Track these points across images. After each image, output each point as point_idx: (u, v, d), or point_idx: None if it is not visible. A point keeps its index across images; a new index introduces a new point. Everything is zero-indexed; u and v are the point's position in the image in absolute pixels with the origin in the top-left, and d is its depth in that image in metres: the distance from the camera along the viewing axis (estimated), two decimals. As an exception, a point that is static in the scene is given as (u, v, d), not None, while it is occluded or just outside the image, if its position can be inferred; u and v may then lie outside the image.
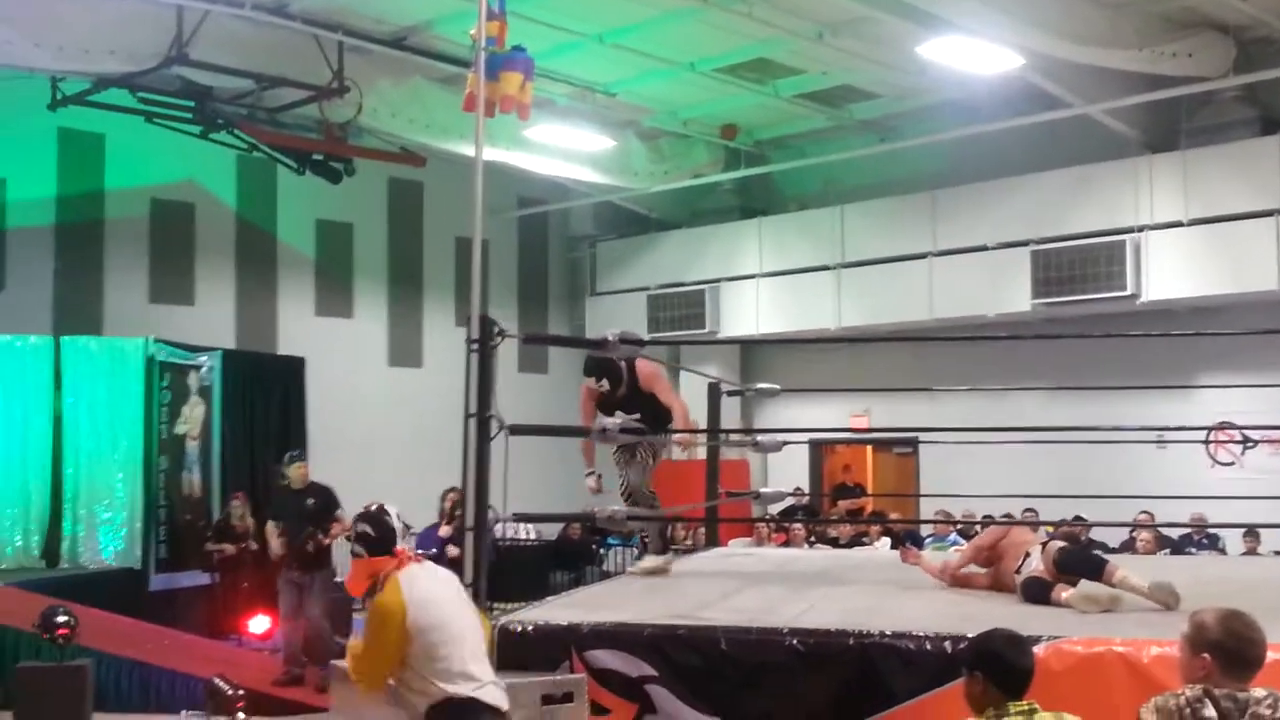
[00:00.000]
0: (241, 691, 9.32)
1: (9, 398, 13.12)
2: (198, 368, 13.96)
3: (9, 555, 12.88)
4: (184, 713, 9.74)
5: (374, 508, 5.14)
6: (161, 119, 13.94)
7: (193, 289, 16.40)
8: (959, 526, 12.32)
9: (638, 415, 7.21)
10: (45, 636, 8.93)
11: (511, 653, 5.49)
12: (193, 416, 13.87)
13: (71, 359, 13.31)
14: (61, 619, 9.01)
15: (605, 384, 7.22)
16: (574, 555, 15.24)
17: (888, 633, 5.13)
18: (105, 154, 15.47)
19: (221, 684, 9.37)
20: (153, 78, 13.01)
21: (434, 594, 4.83)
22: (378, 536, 4.95)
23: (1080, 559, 6.23)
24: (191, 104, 13.69)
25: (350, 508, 15.64)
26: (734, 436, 12.23)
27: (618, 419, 6.78)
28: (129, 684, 10.07)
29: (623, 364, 7.29)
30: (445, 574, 5.14)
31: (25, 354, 13.24)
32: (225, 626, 12.57)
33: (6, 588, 11.12)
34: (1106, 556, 6.70)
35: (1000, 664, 3.62)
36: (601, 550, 15.44)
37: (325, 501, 10.69)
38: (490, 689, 4.74)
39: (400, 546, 5.00)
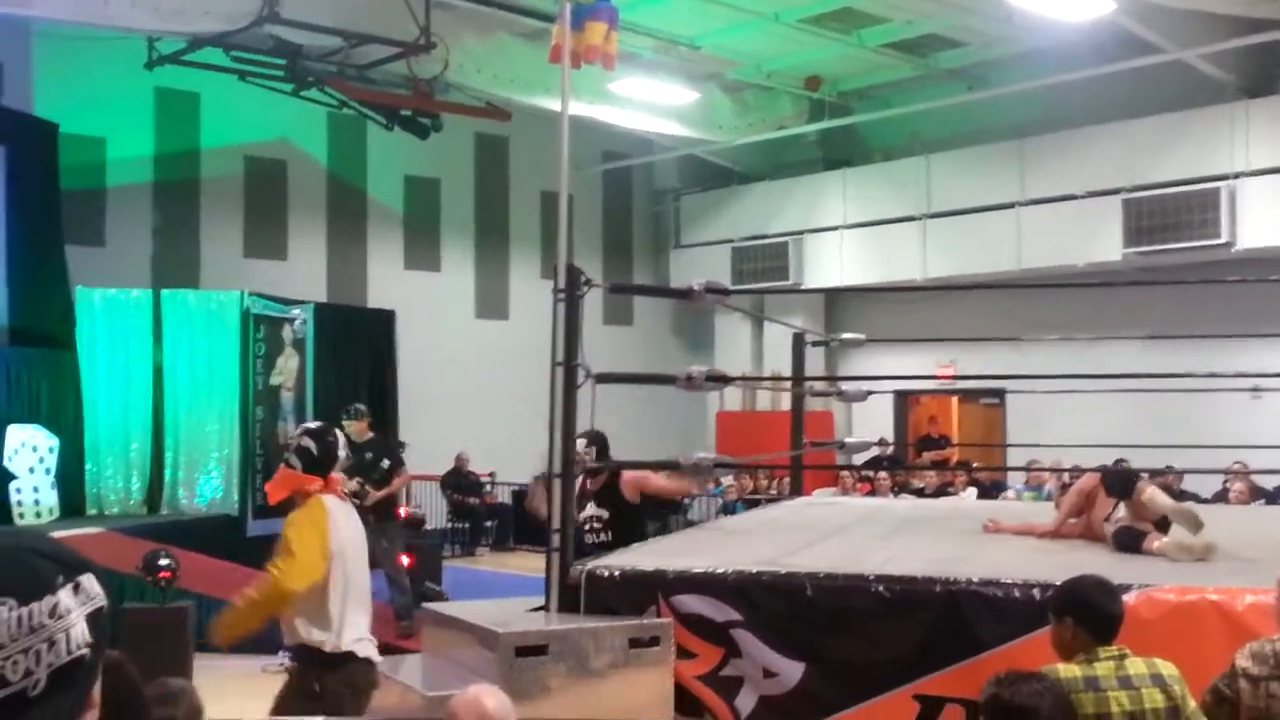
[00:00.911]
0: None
1: (112, 350, 13.49)
2: (291, 320, 14.24)
3: (112, 501, 13.31)
4: (280, 652, 10.07)
5: (322, 426, 5.26)
6: (254, 77, 14.19)
7: (285, 244, 16.76)
8: (1049, 477, 12.22)
9: (607, 514, 7.22)
10: (148, 579, 9.25)
11: (598, 598, 5.60)
12: (287, 368, 14.16)
13: (171, 312, 13.63)
14: (163, 562, 9.33)
15: (590, 454, 7.01)
16: (660, 504, 15.33)
17: (975, 580, 5.14)
18: (200, 113, 15.82)
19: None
20: (245, 36, 13.22)
21: (346, 532, 4.96)
22: (318, 455, 5.04)
23: (1116, 477, 6.34)
24: (283, 62, 13.89)
25: (439, 458, 16.06)
26: (818, 386, 12.22)
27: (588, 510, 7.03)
28: (230, 627, 10.39)
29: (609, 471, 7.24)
30: (358, 521, 5.31)
31: (127, 308, 13.60)
32: (320, 572, 12.87)
33: (111, 533, 11.48)
34: (1142, 474, 6.66)
35: (1089, 609, 3.63)
36: (686, 500, 15.54)
37: (380, 455, 10.85)
38: (366, 644, 4.88)
39: (335, 474, 5.12)
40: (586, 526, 7.15)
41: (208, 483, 13.53)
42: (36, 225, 13.29)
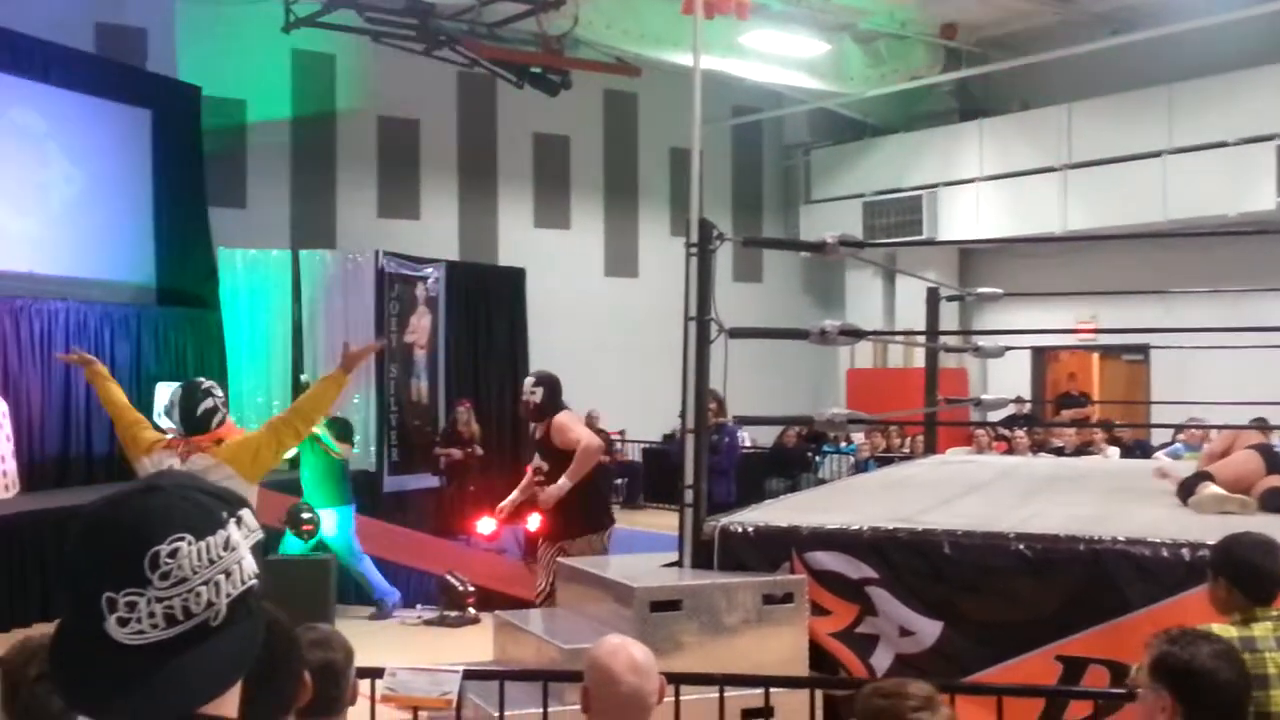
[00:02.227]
0: (472, 587, 9.81)
1: (253, 309, 13.86)
2: (424, 279, 14.44)
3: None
4: (418, 606, 10.30)
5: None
6: (387, 38, 14.35)
7: (418, 203, 16.98)
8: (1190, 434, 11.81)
9: (549, 467, 7.04)
10: (292, 532, 9.51)
11: (731, 554, 5.57)
12: (420, 326, 14.37)
13: (309, 272, 13.92)
14: (306, 516, 9.58)
15: (537, 394, 7.06)
16: (789, 462, 15.27)
17: (1121, 539, 4.99)
18: (336, 74, 16.08)
19: (453, 580, 9.86)
20: (379, -3, 13.40)
21: None
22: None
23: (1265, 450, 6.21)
24: (415, 22, 14.02)
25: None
26: (953, 342, 11.97)
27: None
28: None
29: (548, 414, 7.11)
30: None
31: (267, 268, 13.93)
32: (453, 527, 13.08)
33: (257, 487, 11.80)
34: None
35: (1248, 568, 3.48)
36: (817, 458, 15.43)
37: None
38: None
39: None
40: (537, 479, 7.11)
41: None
42: (181, 188, 13.68)
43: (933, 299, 9.36)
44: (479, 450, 13.66)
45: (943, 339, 10.54)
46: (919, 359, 13.37)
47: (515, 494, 7.74)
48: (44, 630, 3.43)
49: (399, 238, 15.44)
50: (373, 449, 13.63)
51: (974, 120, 17.22)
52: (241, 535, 1.27)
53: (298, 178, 15.99)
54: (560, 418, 7.11)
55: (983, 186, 16.81)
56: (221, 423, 5.52)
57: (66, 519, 9.58)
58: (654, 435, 17.01)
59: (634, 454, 17.19)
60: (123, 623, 1.18)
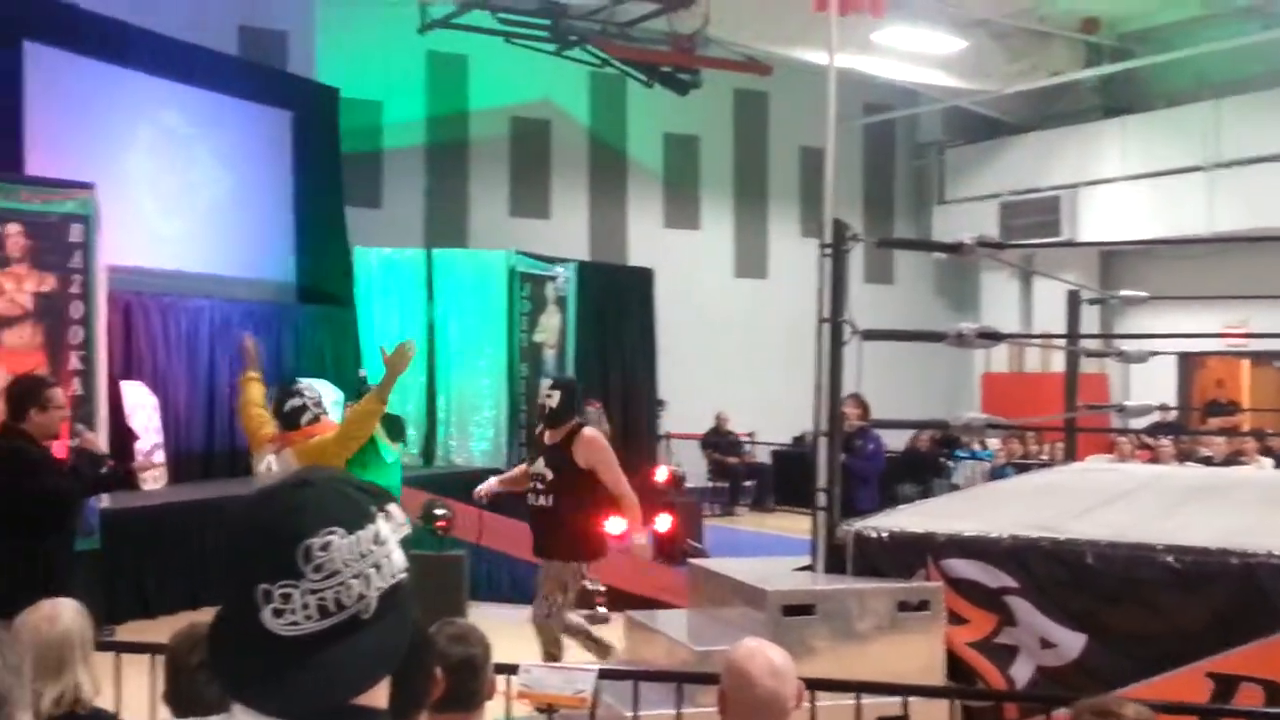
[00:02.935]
0: (602, 586, 9.80)
1: (388, 307, 14.11)
2: (554, 278, 14.53)
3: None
4: (548, 603, 10.33)
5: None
6: (519, 39, 14.49)
7: (549, 203, 17.12)
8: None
9: (553, 476, 6.54)
10: (425, 528, 9.62)
11: (865, 559, 5.47)
12: (550, 325, 14.48)
13: (442, 271, 14.12)
14: (440, 512, 9.67)
15: (554, 398, 6.61)
16: (922, 466, 15.00)
17: (1276, 553, 4.77)
18: (469, 75, 16.29)
19: (584, 579, 9.87)
20: (512, -1, 13.54)
21: None
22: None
23: None
24: (547, 22, 14.13)
25: (699, 417, 16.16)
26: (1094, 347, 11.62)
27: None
28: (499, 575, 10.72)
29: (574, 420, 6.69)
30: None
31: (402, 266, 14.18)
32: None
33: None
34: None
35: None
36: (950, 463, 15.13)
37: None
38: None
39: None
40: (531, 484, 6.63)
41: (479, 436, 13.98)
42: (320, 188, 13.98)
43: (1074, 301, 9.10)
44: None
45: (1084, 343, 10.22)
46: (1057, 363, 13.04)
47: (494, 482, 7.49)
48: (206, 620, 3.51)
49: (530, 237, 15.59)
50: (504, 447, 13.75)
51: (1116, 117, 16.74)
52: (390, 529, 1.28)
53: (431, 177, 16.25)
54: (593, 435, 6.77)
55: (1125, 186, 16.33)
56: (313, 420, 5.93)
57: (212, 510, 9.87)
58: (783, 437, 16.88)
59: (763, 456, 17.08)
60: (278, 614, 1.20)
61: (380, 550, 1.25)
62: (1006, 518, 5.85)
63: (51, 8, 10.90)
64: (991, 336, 6.15)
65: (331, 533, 1.22)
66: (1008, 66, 16.29)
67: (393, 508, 1.30)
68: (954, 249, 6.38)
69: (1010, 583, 5.17)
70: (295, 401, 5.91)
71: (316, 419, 5.94)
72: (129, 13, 11.70)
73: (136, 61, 11.74)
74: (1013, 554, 5.20)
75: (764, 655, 2.84)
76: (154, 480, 10.59)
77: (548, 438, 6.60)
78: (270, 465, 6.07)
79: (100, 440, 5.90)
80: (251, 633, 1.21)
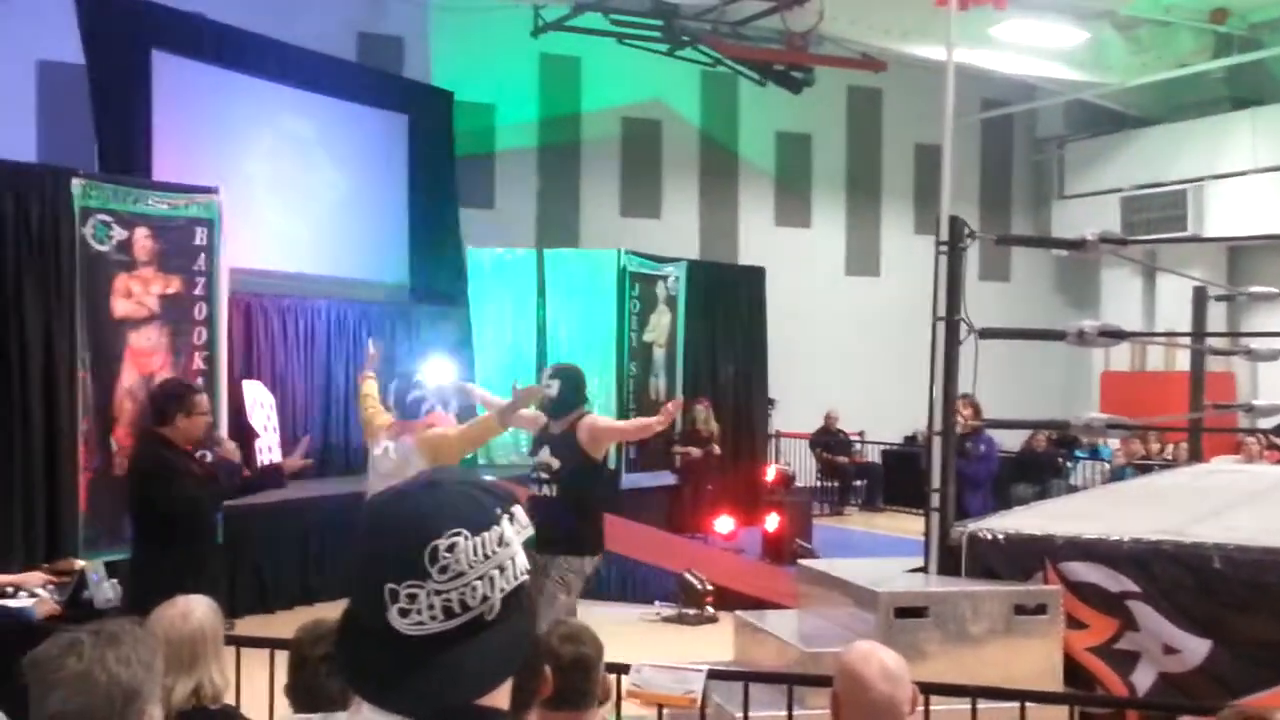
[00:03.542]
0: (711, 586, 9.79)
1: (499, 307, 14.24)
2: (665, 278, 14.53)
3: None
4: (657, 603, 10.35)
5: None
6: (631, 40, 14.54)
7: (659, 203, 17.14)
8: None
9: (559, 465, 6.32)
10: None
11: (980, 561, 5.38)
12: (660, 325, 14.47)
13: (553, 271, 14.21)
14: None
15: (553, 387, 6.41)
16: (1038, 467, 14.69)
17: None
18: (581, 77, 16.39)
19: (692, 578, 9.87)
20: (624, 0, 13.57)
21: None
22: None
23: None
24: (659, 23, 14.16)
25: (808, 416, 16.05)
26: (1220, 344, 11.27)
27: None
28: (608, 574, 10.73)
29: (579, 409, 6.55)
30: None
31: (514, 266, 14.30)
32: (690, 525, 13.11)
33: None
34: None
35: None
36: (1068, 463, 14.79)
37: None
38: None
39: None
40: (535, 474, 6.43)
41: (588, 434, 14.01)
42: (434, 190, 14.19)
43: (1200, 298, 8.83)
44: (717, 449, 13.65)
45: (1211, 341, 9.91)
46: (1180, 362, 12.67)
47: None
48: (328, 615, 3.58)
49: (640, 237, 15.62)
50: (612, 446, 13.75)
51: (1246, 109, 16.21)
52: (514, 531, 1.28)
53: (544, 178, 16.39)
54: (593, 418, 6.70)
55: (1255, 178, 15.80)
56: (430, 410, 6.33)
57: (328, 507, 10.06)
58: (894, 437, 16.68)
59: (873, 455, 16.90)
60: (404, 614, 1.22)
61: (504, 552, 1.26)
62: (1129, 520, 5.71)
63: (178, 18, 11.22)
64: (1115, 335, 6.00)
65: (458, 534, 1.24)
66: (1132, 59, 15.87)
67: (517, 510, 1.31)
68: (1077, 245, 6.24)
69: (1132, 587, 5.05)
70: (416, 393, 6.31)
71: (434, 409, 6.33)
72: (252, 21, 12.00)
73: (259, 68, 12.04)
74: (1135, 557, 5.08)
75: (879, 659, 2.80)
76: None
77: (552, 427, 6.47)
78: (389, 450, 6.33)
79: (236, 450, 6.01)
80: (378, 631, 1.23)
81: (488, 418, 6.35)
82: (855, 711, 2.77)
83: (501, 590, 1.25)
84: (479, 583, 1.23)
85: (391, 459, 6.23)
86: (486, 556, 1.24)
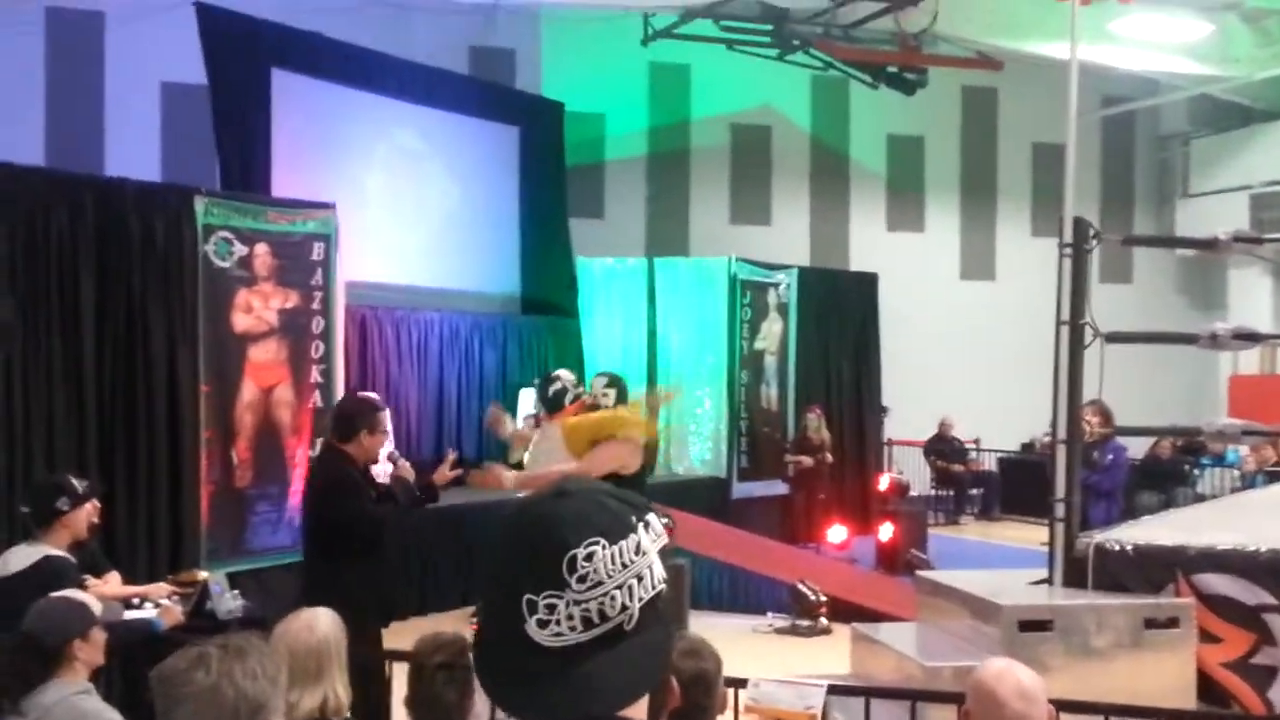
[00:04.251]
0: (824, 597, 9.66)
1: (610, 317, 14.26)
2: (776, 285, 14.42)
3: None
4: (769, 613, 10.24)
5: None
6: (741, 46, 14.48)
7: (769, 209, 17.04)
8: None
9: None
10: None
11: (1107, 573, 5.21)
12: (771, 332, 14.37)
13: (663, 279, 14.19)
14: (662, 520, 9.70)
15: (610, 396, 6.40)
16: (1163, 475, 14.24)
17: None
18: (690, 85, 16.38)
19: (805, 589, 9.75)
20: (734, 5, 13.52)
21: None
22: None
23: None
24: (769, 27, 14.07)
25: (923, 424, 15.82)
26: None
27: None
28: (719, 584, 10.68)
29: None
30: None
31: (624, 275, 14.32)
32: (802, 535, 12.97)
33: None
34: None
35: None
36: (1195, 471, 14.32)
37: None
38: None
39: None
40: None
41: (699, 444, 13.97)
42: (545, 201, 14.28)
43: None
44: (829, 457, 13.50)
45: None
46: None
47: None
48: (447, 626, 3.57)
49: (750, 244, 15.52)
50: (723, 455, 13.72)
51: (1380, 100, 15.60)
52: (650, 539, 1.27)
53: (653, 187, 16.41)
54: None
55: (1391, 174, 15.19)
56: (574, 400, 6.48)
57: (443, 517, 10.14)
58: (1011, 444, 16.33)
59: (989, 463, 16.56)
60: (542, 624, 1.21)
61: (642, 561, 1.24)
62: (1264, 530, 5.48)
63: (296, 36, 11.46)
64: (1248, 337, 5.78)
65: (595, 543, 1.22)
66: (1259, 51, 15.33)
67: (652, 518, 1.29)
68: (1208, 245, 6.04)
69: (1270, 600, 4.86)
70: (557, 385, 6.51)
71: (577, 398, 6.50)
72: (367, 38, 12.23)
73: (373, 84, 12.25)
74: (1272, 569, 4.88)
75: (1014, 676, 2.71)
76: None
77: (542, 419, 6.77)
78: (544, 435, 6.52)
79: (410, 470, 6.01)
80: (517, 643, 1.22)
81: (636, 428, 6.33)
82: (987, 731, 2.67)
83: (640, 599, 1.23)
84: (618, 592, 1.22)
85: (542, 444, 6.44)
86: (625, 565, 1.23)
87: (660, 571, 1.26)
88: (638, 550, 1.24)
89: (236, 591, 5.64)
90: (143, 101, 12.84)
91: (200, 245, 8.29)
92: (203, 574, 6.00)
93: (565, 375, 6.73)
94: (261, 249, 8.74)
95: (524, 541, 1.25)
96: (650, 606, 1.24)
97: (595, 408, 6.48)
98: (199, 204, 8.34)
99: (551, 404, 6.51)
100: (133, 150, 11.87)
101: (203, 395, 8.20)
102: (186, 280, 8.19)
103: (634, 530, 1.25)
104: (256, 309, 8.71)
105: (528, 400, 12.76)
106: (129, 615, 5.09)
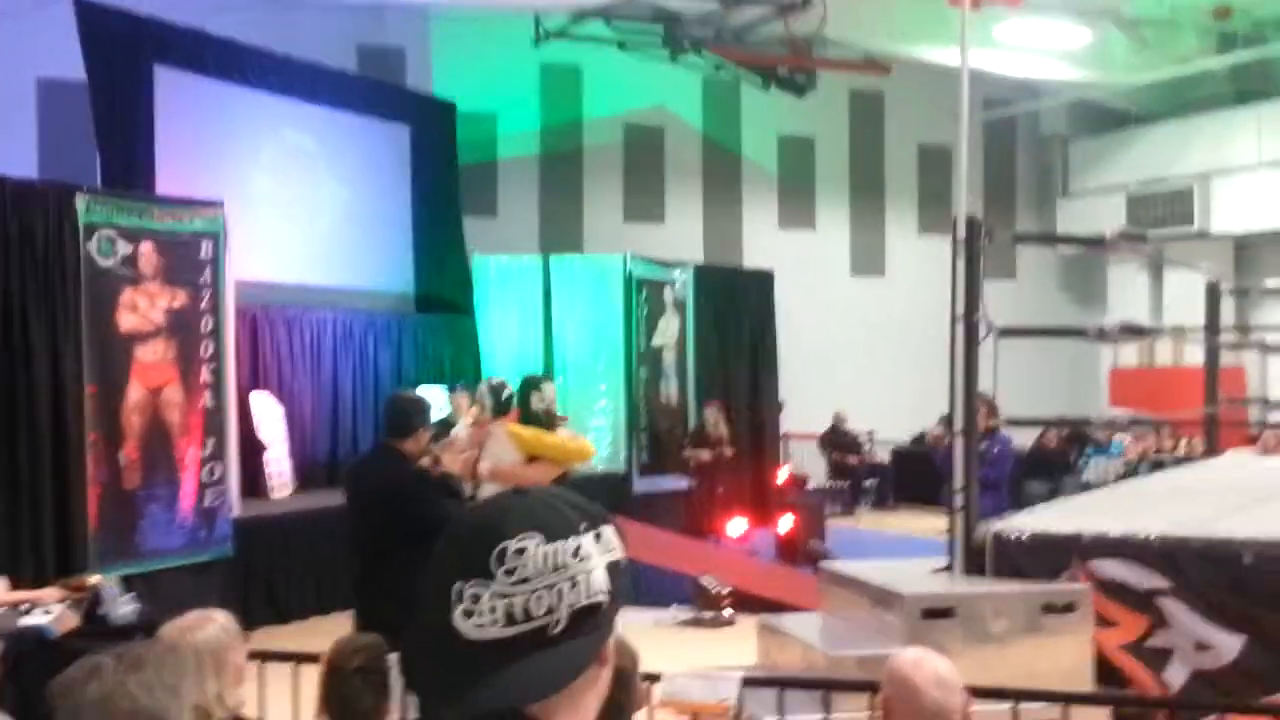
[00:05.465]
0: (727, 589, 9.72)
1: (505, 314, 14.19)
2: (672, 283, 14.47)
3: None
4: (673, 606, 10.27)
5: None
6: (633, 46, 14.50)
7: (663, 207, 17.11)
8: None
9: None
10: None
11: (1005, 560, 5.32)
12: (669, 329, 14.41)
13: (559, 276, 14.15)
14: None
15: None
16: (1050, 464, 14.60)
17: None
18: (582, 85, 16.36)
19: (709, 581, 9.80)
20: (626, 6, 13.53)
21: None
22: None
23: None
24: (661, 29, 14.12)
25: (818, 417, 16.00)
26: (1232, 339, 11.22)
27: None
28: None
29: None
30: None
31: (519, 272, 14.24)
32: (703, 528, 13.04)
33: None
34: None
35: None
36: (1081, 460, 14.72)
37: None
38: None
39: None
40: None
41: (597, 441, 13.94)
42: (438, 199, 14.14)
43: (1213, 293, 8.77)
44: (728, 451, 13.59)
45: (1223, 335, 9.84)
46: (1189, 357, 12.62)
47: None
48: (365, 634, 3.51)
49: (644, 241, 15.57)
50: (622, 451, 13.73)
51: (1251, 104, 16.17)
52: (598, 549, 1.23)
53: (546, 185, 16.35)
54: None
55: (1262, 173, 15.76)
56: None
57: (338, 517, 9.96)
58: (903, 436, 16.62)
59: (883, 454, 16.84)
60: (467, 615, 1.19)
61: (579, 565, 1.21)
62: (1154, 516, 5.64)
63: (179, 32, 11.19)
64: (1135, 331, 5.95)
65: (529, 538, 1.20)
66: (1135, 57, 15.82)
67: (607, 530, 1.26)
68: (1096, 242, 6.21)
69: (1162, 583, 4.99)
70: (506, 392, 6.49)
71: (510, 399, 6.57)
72: (253, 35, 11.97)
73: (260, 82, 12.00)
74: (1164, 554, 5.02)
75: (930, 665, 2.74)
76: (280, 488, 10.79)
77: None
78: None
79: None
80: (441, 634, 1.20)
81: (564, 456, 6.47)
82: (906, 718, 2.70)
83: (571, 605, 1.19)
84: (545, 592, 1.18)
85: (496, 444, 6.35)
86: (557, 567, 1.20)
87: (601, 582, 1.22)
88: (576, 554, 1.21)
89: (132, 594, 5.49)
90: (18, 97, 12.42)
91: (83, 244, 8.05)
92: (94, 578, 5.83)
93: (506, 383, 6.77)
94: (147, 247, 8.52)
95: (466, 530, 1.24)
96: (586, 615, 1.21)
97: (550, 415, 6.63)
98: (80, 202, 8.10)
99: (502, 408, 6.47)
100: (9, 148, 11.46)
101: (87, 396, 7.97)
102: (69, 280, 7.96)
103: (577, 534, 1.22)
104: (143, 308, 8.50)
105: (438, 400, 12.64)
106: (21, 622, 4.92)
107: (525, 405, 6.46)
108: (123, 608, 5.32)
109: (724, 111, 17.22)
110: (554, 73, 16.06)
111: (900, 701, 2.70)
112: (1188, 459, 10.90)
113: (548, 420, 6.43)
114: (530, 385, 6.58)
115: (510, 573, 1.19)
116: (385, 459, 5.46)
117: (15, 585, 5.58)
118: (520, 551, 1.19)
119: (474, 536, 1.22)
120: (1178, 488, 7.27)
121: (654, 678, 3.70)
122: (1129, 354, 17.12)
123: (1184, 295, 12.55)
